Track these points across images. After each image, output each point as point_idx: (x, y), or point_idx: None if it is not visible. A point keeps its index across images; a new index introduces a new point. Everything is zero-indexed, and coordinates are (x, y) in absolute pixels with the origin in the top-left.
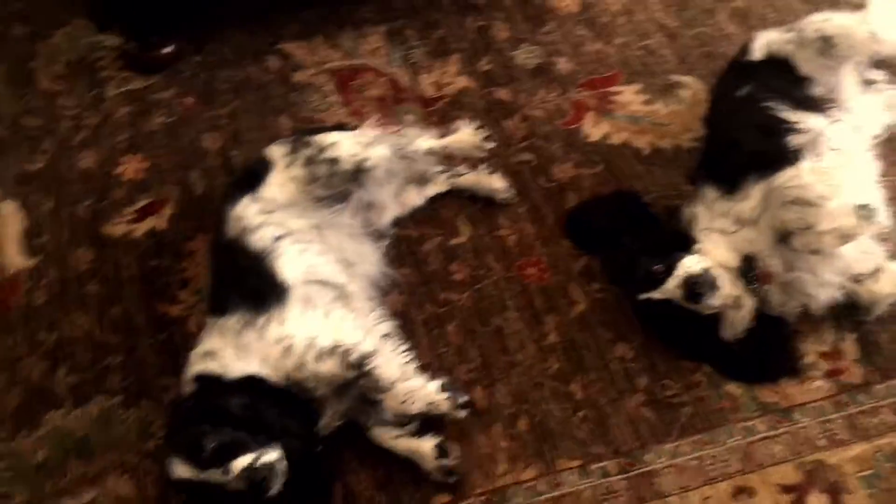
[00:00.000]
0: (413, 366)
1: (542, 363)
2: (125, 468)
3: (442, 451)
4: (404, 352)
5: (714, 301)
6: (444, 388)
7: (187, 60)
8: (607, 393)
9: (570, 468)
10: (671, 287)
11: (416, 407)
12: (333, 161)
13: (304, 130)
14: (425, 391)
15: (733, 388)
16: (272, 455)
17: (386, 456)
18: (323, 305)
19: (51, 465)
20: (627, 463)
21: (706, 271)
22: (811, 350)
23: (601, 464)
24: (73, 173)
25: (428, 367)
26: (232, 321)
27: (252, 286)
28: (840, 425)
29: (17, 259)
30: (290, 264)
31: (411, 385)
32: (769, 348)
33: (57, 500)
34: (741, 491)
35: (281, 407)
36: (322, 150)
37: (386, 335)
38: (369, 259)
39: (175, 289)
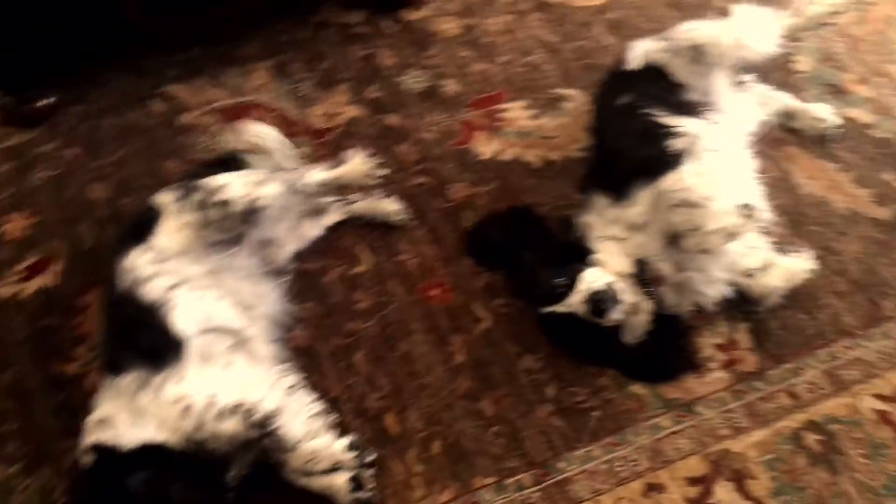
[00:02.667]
0: (320, 421)
1: (451, 384)
2: None
3: (356, 483)
4: (311, 404)
5: (617, 315)
6: (351, 447)
7: (68, 111)
8: (517, 406)
9: (486, 486)
10: (575, 302)
11: (321, 466)
12: (225, 203)
13: (192, 174)
14: (331, 450)
15: (638, 388)
16: None
17: (301, 492)
18: (222, 356)
19: None
20: (541, 473)
21: (609, 286)
22: (707, 343)
23: (516, 477)
24: None
25: (336, 400)
26: (127, 381)
27: (146, 341)
28: (740, 413)
29: None
30: (185, 314)
31: (317, 444)
32: (668, 347)
33: None
34: (651, 488)
35: (184, 476)
36: (212, 192)
37: (291, 387)
38: (269, 298)
39: (69, 346)
